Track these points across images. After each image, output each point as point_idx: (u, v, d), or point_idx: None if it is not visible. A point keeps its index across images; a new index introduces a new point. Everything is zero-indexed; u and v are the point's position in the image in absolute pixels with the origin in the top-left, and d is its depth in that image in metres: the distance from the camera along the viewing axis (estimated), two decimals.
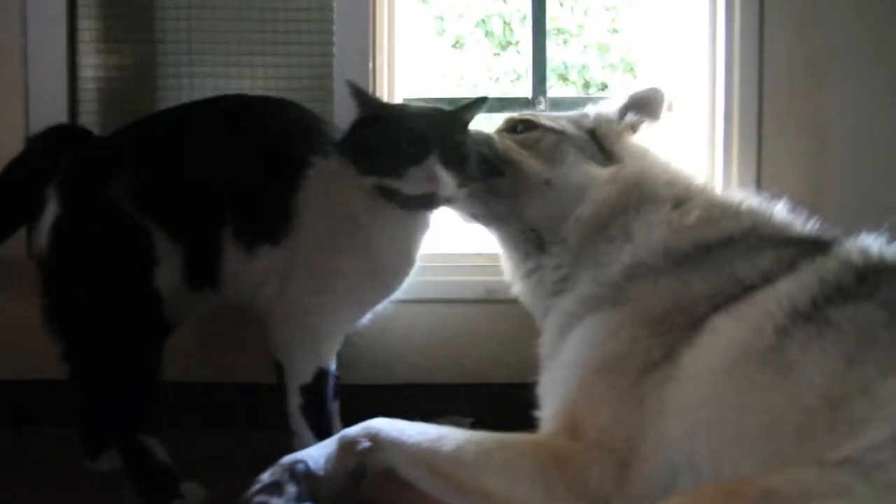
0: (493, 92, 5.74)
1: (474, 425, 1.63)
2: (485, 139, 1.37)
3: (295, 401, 1.27)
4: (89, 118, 1.70)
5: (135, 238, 1.25)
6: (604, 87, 5.32)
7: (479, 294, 1.62)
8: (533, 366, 1.27)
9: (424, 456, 1.09)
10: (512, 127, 1.42)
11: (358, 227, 1.26)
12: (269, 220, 1.27)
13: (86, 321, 1.27)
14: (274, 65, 1.70)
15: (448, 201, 1.25)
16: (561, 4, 5.23)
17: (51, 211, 1.27)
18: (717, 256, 1.13)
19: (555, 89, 5.66)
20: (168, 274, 1.27)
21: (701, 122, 1.73)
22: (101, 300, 1.25)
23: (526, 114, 1.44)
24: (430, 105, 1.35)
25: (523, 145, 1.37)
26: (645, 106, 1.45)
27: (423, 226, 1.33)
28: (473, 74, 5.67)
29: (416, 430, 1.13)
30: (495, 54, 5.80)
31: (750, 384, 0.97)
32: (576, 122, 1.42)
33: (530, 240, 1.33)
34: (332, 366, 1.32)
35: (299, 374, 1.27)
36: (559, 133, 1.38)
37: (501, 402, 1.60)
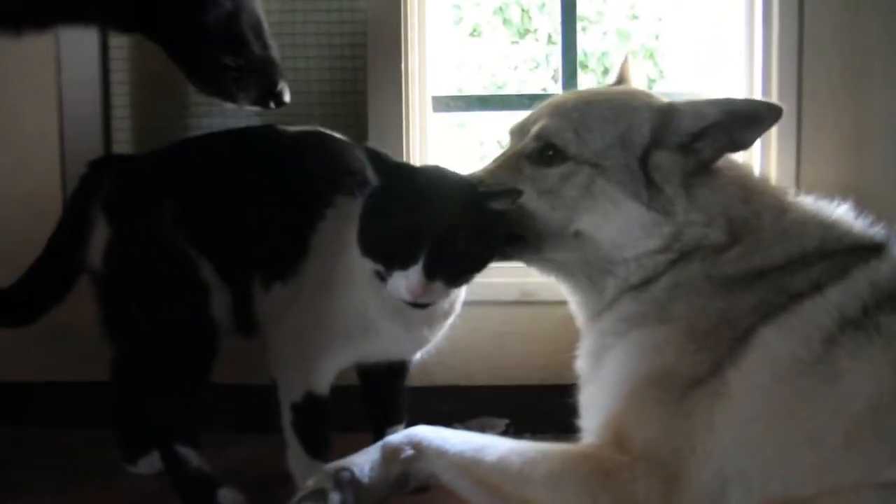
0: (512, 81, 5.71)
1: (510, 426, 1.65)
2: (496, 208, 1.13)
3: (286, 416, 1.28)
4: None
5: (182, 265, 1.27)
6: None
7: (514, 296, 1.62)
8: (567, 367, 1.26)
9: (468, 465, 1.08)
10: (539, 152, 1.18)
11: (354, 283, 1.21)
12: (285, 258, 1.26)
13: (138, 339, 1.30)
14: (306, 74, 1.70)
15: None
16: None
17: (101, 232, 1.30)
18: (772, 277, 1.09)
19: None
20: (221, 304, 1.29)
21: None
22: (154, 322, 1.28)
23: (559, 136, 1.17)
24: (452, 178, 1.15)
25: (544, 189, 1.16)
26: (741, 127, 1.14)
27: (426, 312, 1.21)
28: (492, 63, 5.64)
29: (459, 439, 1.13)
30: (513, 42, 5.76)
31: (797, 396, 0.97)
32: (626, 139, 1.15)
33: (559, 273, 1.24)
34: (326, 390, 1.28)
35: (289, 393, 1.27)
36: (594, 167, 1.15)
37: (536, 404, 1.61)
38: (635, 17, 5.52)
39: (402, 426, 1.35)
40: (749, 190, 1.18)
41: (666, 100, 1.21)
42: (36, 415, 1.72)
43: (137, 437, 1.45)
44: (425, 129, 1.74)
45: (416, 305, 1.12)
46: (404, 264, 1.06)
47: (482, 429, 1.62)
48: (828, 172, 1.61)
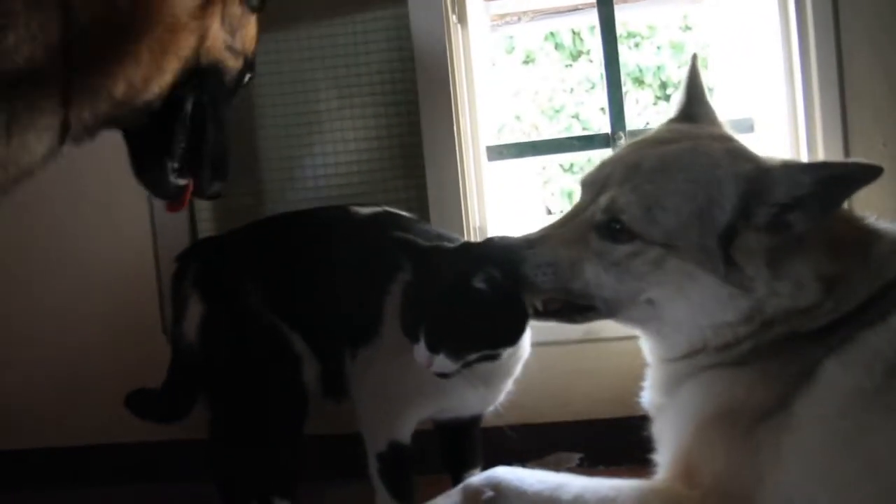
0: (569, 104, 5.74)
1: (583, 460, 1.71)
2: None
3: (373, 464, 1.37)
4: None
5: (275, 337, 1.38)
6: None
7: (579, 335, 1.66)
8: (636, 400, 1.30)
9: None
10: (607, 225, 1.13)
11: None
12: (366, 325, 1.36)
13: (235, 405, 1.42)
14: (367, 143, 1.81)
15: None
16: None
17: (195, 308, 1.43)
18: (852, 315, 1.07)
19: (631, 94, 5.62)
20: (311, 372, 1.40)
21: (783, 145, 1.73)
22: (250, 390, 1.39)
23: (627, 213, 1.10)
24: (458, 261, 1.20)
25: (611, 263, 1.12)
26: (835, 192, 1.06)
27: (487, 372, 1.29)
28: (547, 88, 5.69)
29: (536, 479, 1.18)
30: (567, 66, 5.80)
31: (858, 427, 1.00)
32: (705, 216, 1.07)
33: (631, 325, 1.23)
34: (408, 439, 1.38)
35: (375, 444, 1.37)
36: (665, 247, 1.09)
37: (605, 437, 1.67)
38: (688, 28, 5.48)
39: (479, 469, 1.42)
40: (834, 240, 1.10)
41: (756, 160, 1.12)
42: (136, 474, 1.87)
43: (238, 490, 1.56)
44: (481, 182, 1.83)
45: (440, 375, 1.21)
46: (415, 339, 1.19)
47: (557, 464, 1.69)
48: (880, 190, 1.59)
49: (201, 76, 1.21)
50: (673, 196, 1.09)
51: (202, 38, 1.19)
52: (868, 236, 1.14)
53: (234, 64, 1.29)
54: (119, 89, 1.07)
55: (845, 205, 1.55)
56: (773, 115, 1.76)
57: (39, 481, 1.89)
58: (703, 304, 1.09)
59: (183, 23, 1.13)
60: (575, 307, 1.20)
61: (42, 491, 1.87)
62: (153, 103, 1.16)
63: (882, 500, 0.95)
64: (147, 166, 1.26)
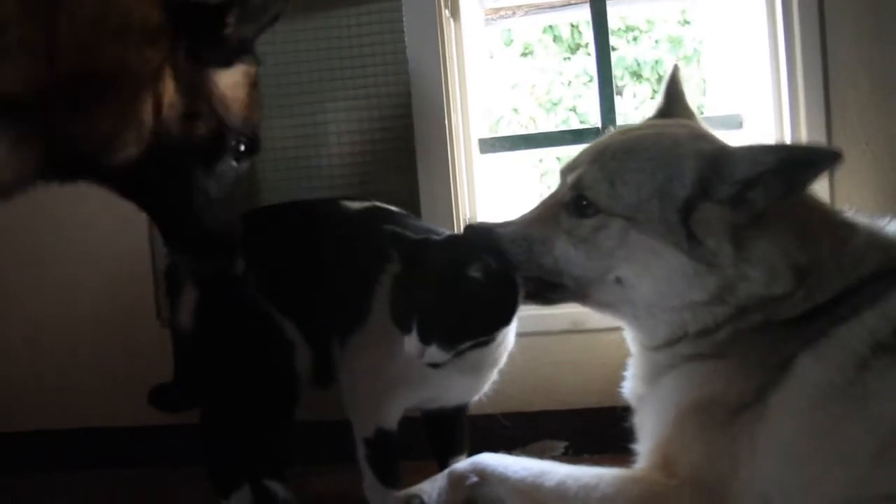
0: (567, 97, 5.74)
1: (568, 449, 1.74)
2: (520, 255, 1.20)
3: (361, 450, 1.41)
4: None
5: (268, 324, 1.41)
6: None
7: (565, 326, 1.71)
8: (617, 390, 1.33)
9: (528, 490, 1.17)
10: (574, 202, 1.19)
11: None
12: (355, 314, 1.39)
13: (229, 390, 1.45)
14: (360, 136, 1.83)
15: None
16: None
17: (189, 294, 1.45)
18: (826, 308, 1.10)
19: (628, 88, 5.63)
20: (303, 359, 1.43)
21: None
22: (244, 375, 1.42)
23: (592, 188, 1.16)
24: (448, 253, 1.23)
25: (579, 239, 1.17)
26: (798, 173, 1.08)
27: (473, 362, 1.30)
28: (545, 81, 5.69)
29: (520, 466, 1.21)
30: (565, 59, 5.80)
31: (832, 418, 1.03)
32: (664, 191, 1.11)
33: (608, 312, 1.26)
34: (394, 426, 1.40)
35: (362, 429, 1.40)
36: (627, 219, 1.13)
37: (591, 426, 1.70)
38: (686, 23, 5.48)
39: (464, 456, 1.45)
40: (807, 229, 1.13)
41: (719, 142, 1.17)
42: (130, 457, 1.90)
43: (229, 473, 1.59)
44: (472, 175, 1.85)
45: (431, 365, 1.23)
46: (406, 331, 1.21)
47: (542, 452, 1.72)
48: (863, 189, 1.64)
49: (164, 153, 1.15)
50: (635, 172, 1.14)
51: (158, 105, 1.13)
52: (844, 230, 1.16)
53: (203, 132, 1.17)
54: (89, 140, 1.13)
55: (827, 201, 1.61)
56: (761, 113, 1.79)
57: (33, 464, 1.91)
58: (669, 280, 1.12)
59: (143, 91, 1.12)
60: (547, 284, 1.23)
61: (35, 474, 1.89)
62: (117, 166, 1.15)
63: (854, 487, 0.98)
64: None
